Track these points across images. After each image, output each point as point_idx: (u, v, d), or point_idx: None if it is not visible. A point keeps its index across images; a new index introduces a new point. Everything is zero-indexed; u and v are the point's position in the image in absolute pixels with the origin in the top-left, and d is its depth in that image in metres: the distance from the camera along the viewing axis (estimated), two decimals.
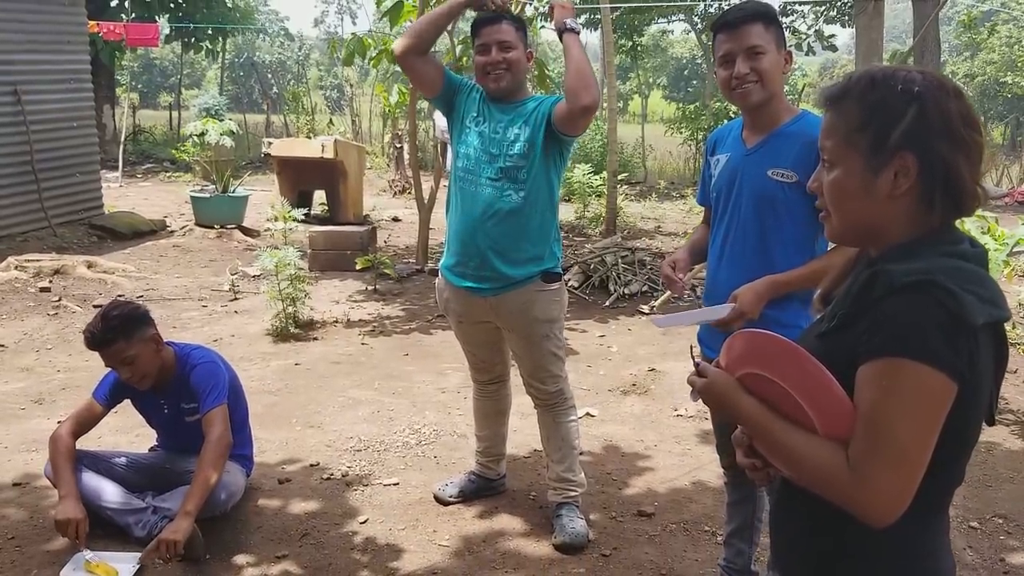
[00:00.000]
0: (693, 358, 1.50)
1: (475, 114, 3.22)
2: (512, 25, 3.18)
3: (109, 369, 3.47)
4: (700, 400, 1.46)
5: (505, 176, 3.13)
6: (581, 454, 3.66)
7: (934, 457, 1.26)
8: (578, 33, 3.14)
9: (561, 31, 3.11)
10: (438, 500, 3.64)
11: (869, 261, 1.39)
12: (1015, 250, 4.60)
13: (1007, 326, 5.45)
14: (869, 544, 1.34)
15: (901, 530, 1.28)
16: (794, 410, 1.33)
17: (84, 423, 3.43)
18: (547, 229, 3.23)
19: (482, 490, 3.69)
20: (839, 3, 17.59)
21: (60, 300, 6.92)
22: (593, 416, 4.66)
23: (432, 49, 3.30)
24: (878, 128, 1.32)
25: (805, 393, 1.31)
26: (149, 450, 3.70)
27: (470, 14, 3.36)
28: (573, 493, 3.43)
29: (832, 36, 18.96)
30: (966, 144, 1.32)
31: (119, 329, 3.23)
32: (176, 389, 3.40)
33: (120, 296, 6.96)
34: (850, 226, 1.40)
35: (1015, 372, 5.47)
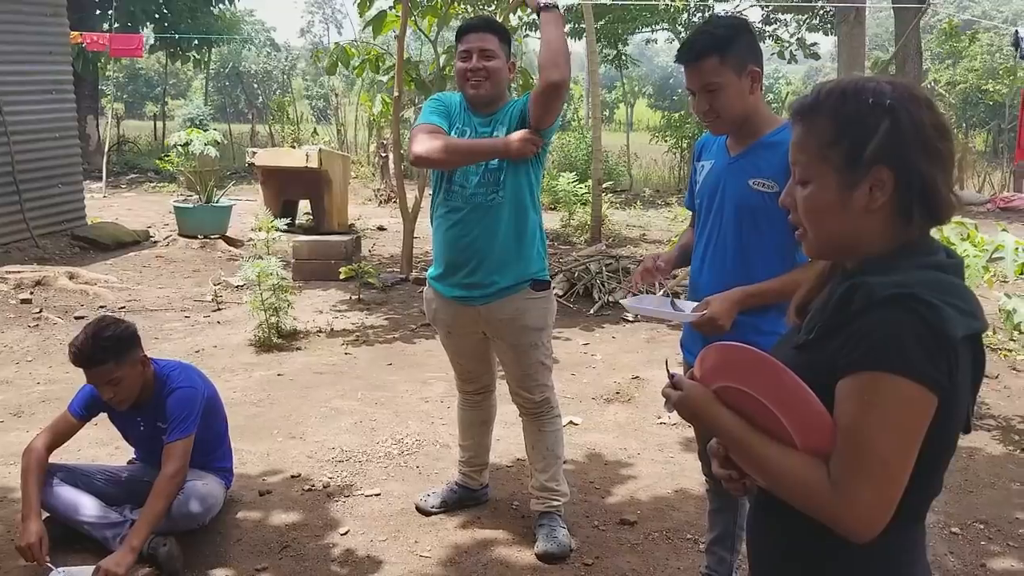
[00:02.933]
0: (667, 370, 1.49)
1: (459, 127, 3.20)
2: (496, 35, 3.16)
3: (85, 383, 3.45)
4: (675, 412, 1.45)
5: (487, 181, 3.12)
6: (564, 463, 3.65)
7: (913, 469, 1.26)
8: (556, 9, 3.00)
9: (538, 9, 3.02)
10: (420, 511, 3.62)
11: (845, 273, 1.38)
12: (995, 256, 4.62)
13: (988, 332, 5.42)
14: (847, 555, 1.33)
15: (879, 541, 1.27)
16: (771, 423, 1.32)
17: (60, 435, 3.40)
18: (532, 231, 3.22)
19: (465, 500, 3.67)
20: (821, 12, 17.69)
21: (41, 312, 6.87)
22: (576, 424, 4.65)
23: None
24: (852, 143, 1.32)
25: (782, 406, 1.30)
26: (127, 463, 3.67)
27: (454, 22, 3.35)
28: (556, 503, 3.42)
29: (815, 44, 19.06)
30: (940, 154, 1.32)
31: (111, 350, 3.17)
32: (153, 409, 3.36)
33: (102, 308, 6.92)
34: (826, 241, 1.39)
35: (996, 377, 5.50)
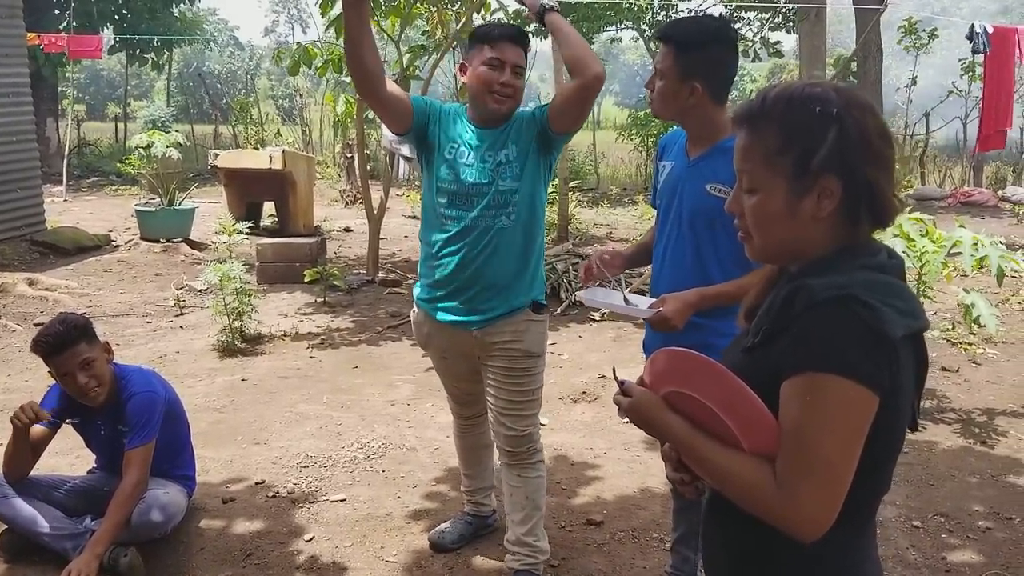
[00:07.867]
0: (615, 377, 1.50)
1: (457, 143, 2.91)
2: (526, 55, 2.90)
3: (48, 389, 3.40)
4: (627, 419, 1.46)
5: (497, 203, 2.86)
6: None
7: (859, 468, 1.27)
8: (558, 11, 2.82)
9: (541, 13, 2.81)
10: (437, 548, 3.36)
11: (790, 276, 1.39)
12: (953, 252, 4.68)
13: (948, 326, 5.47)
14: (796, 556, 1.34)
15: (828, 541, 1.28)
16: (718, 426, 1.33)
17: (34, 450, 3.38)
18: (537, 251, 3.01)
19: (480, 530, 3.47)
20: (783, 11, 17.83)
21: None
22: (543, 425, 4.63)
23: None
24: (800, 152, 1.32)
25: (727, 410, 1.31)
26: (88, 472, 3.62)
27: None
28: (533, 560, 3.09)
29: (777, 43, 19.19)
30: (884, 159, 1.34)
31: (80, 329, 3.23)
32: (113, 411, 3.33)
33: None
34: (772, 247, 1.40)
35: (957, 371, 5.58)
